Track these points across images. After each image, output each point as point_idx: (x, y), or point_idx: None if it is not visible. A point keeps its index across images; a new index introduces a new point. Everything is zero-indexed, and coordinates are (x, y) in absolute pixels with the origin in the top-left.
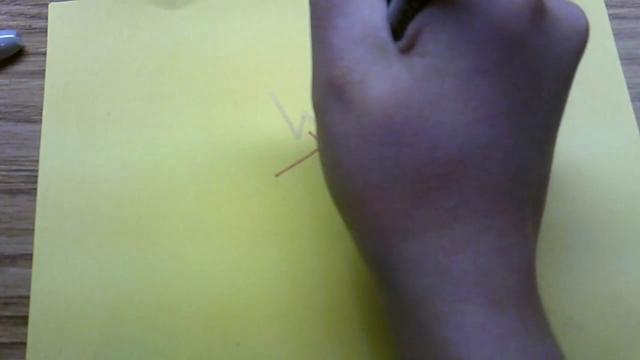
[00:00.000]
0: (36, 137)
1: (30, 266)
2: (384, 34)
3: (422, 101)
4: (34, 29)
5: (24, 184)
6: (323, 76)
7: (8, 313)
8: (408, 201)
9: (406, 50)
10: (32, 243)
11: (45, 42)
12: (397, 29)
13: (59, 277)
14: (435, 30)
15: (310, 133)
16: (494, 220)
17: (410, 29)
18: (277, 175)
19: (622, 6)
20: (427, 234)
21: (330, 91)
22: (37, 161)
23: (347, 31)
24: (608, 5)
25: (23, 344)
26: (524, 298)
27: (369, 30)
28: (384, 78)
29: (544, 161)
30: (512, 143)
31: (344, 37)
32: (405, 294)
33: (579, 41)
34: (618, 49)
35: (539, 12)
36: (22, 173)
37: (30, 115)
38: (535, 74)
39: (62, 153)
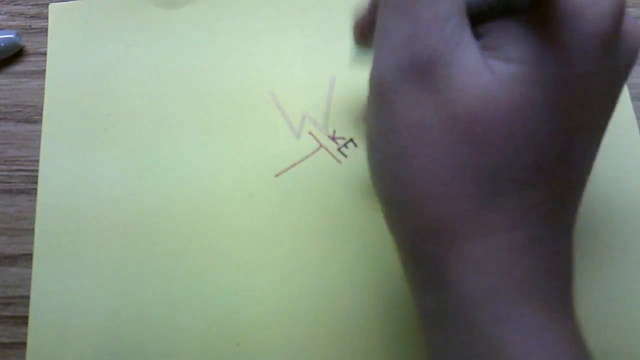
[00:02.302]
0: (36, 137)
1: (30, 266)
2: (466, 18)
3: (509, 107)
4: (34, 29)
5: (24, 184)
6: (402, 53)
7: (8, 313)
8: (479, 202)
9: (487, 49)
10: (32, 243)
11: (45, 42)
12: (476, 15)
13: (59, 277)
14: (522, 37)
15: (310, 133)
16: (553, 226)
17: (496, 30)
18: (277, 175)
19: None
20: (494, 235)
21: (409, 70)
22: (37, 161)
23: (436, 5)
24: None
25: (23, 344)
26: (569, 304)
27: (457, 7)
28: (469, 71)
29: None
30: (581, 156)
31: (433, 11)
32: (461, 294)
33: (634, 57)
34: None
35: (620, 27)
36: (22, 173)
37: (30, 115)
38: (607, 91)
39: (62, 153)
